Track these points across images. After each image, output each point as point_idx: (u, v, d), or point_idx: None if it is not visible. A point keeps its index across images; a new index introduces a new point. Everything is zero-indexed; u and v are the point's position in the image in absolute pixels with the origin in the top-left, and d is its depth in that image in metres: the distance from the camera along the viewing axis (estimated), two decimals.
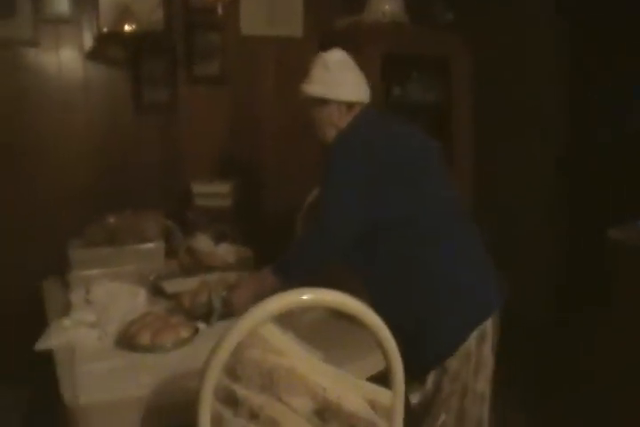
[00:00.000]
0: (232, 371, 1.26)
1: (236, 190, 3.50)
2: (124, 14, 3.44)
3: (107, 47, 3.52)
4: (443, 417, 2.17)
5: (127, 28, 3.42)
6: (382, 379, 1.46)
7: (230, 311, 2.27)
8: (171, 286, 2.71)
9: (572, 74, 3.88)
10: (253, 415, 1.28)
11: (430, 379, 2.16)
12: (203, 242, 3.07)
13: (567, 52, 3.87)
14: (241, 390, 1.26)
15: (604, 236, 3.00)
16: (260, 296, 2.01)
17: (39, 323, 2.60)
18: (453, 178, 3.54)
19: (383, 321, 1.37)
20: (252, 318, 1.25)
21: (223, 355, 1.24)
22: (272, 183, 3.93)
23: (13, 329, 3.30)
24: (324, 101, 2.40)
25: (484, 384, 2.19)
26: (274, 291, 1.99)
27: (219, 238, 3.18)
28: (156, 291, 2.72)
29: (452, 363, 2.13)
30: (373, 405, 1.35)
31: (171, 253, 3.07)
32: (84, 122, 3.51)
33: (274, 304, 1.27)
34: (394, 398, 1.37)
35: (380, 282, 2.20)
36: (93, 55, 3.50)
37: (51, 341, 2.21)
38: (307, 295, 1.30)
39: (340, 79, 2.43)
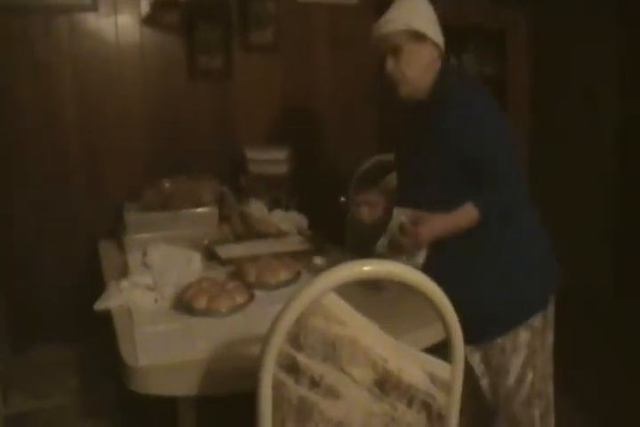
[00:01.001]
0: (295, 339, 1.28)
1: (292, 157, 3.50)
2: None
3: (162, 13, 3.52)
4: (530, 376, 2.24)
5: None
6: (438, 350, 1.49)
7: (402, 241, 2.16)
8: (224, 252, 2.76)
9: (630, 47, 3.79)
10: (314, 384, 1.30)
11: (512, 338, 2.22)
12: (256, 208, 3.10)
13: (626, 25, 3.78)
14: (303, 359, 1.28)
15: None
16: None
17: (95, 282, 2.68)
18: None
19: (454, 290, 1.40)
20: (315, 287, 1.26)
21: (286, 322, 1.26)
22: (326, 151, 3.91)
23: (70, 287, 3.39)
24: (422, 38, 2.19)
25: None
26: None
27: (272, 205, 3.21)
28: (210, 256, 2.76)
29: (537, 320, 2.23)
30: (432, 377, 1.36)
31: (224, 218, 3.11)
32: (140, 87, 3.52)
33: (337, 274, 1.28)
34: (453, 371, 1.38)
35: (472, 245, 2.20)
36: (149, 21, 3.50)
37: (109, 302, 2.25)
38: (369, 266, 1.31)
39: (434, 19, 2.25)
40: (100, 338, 2.36)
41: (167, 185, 3.15)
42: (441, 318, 1.35)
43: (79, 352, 2.87)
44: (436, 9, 3.36)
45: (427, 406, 1.38)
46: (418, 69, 2.20)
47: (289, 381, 1.30)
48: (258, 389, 1.31)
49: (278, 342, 1.27)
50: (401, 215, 2.18)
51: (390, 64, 2.21)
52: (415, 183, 2.28)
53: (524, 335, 2.22)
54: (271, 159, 3.41)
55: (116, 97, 3.49)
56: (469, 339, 2.06)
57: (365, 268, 1.31)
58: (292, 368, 1.29)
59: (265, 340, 1.28)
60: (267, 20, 3.72)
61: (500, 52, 3.83)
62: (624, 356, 3.42)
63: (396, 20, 2.18)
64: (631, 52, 3.73)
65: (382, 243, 2.20)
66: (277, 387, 1.30)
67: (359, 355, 1.30)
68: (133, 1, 3.45)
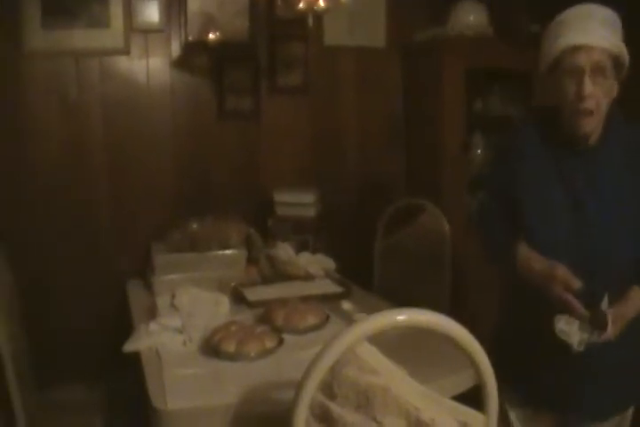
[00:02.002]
0: (328, 388, 1.28)
1: (319, 200, 3.51)
2: (210, 23, 3.51)
3: (192, 56, 3.59)
4: None
5: (212, 36, 3.48)
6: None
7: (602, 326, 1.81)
8: (252, 295, 2.76)
9: None
10: None
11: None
12: (283, 251, 3.10)
13: None
14: (336, 408, 1.28)
15: None
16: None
17: (122, 323, 2.69)
18: None
19: None
20: (349, 336, 1.26)
21: (320, 372, 1.26)
22: (354, 194, 3.93)
23: (97, 328, 3.41)
24: (621, 67, 1.87)
25: None
26: None
27: (300, 248, 3.21)
28: (238, 298, 2.76)
29: None
30: None
31: (251, 261, 3.12)
32: (170, 128, 3.58)
33: (371, 324, 1.28)
34: (487, 421, 1.37)
35: None
36: (180, 63, 3.57)
37: (138, 343, 2.26)
38: (402, 316, 1.31)
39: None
40: (125, 380, 2.36)
41: (195, 226, 3.17)
42: (474, 365, 1.34)
43: (104, 394, 2.87)
44: (464, 56, 3.40)
45: None
46: (608, 102, 1.88)
47: None
48: None
49: (311, 390, 1.27)
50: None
51: (590, 86, 1.81)
52: (597, 239, 1.89)
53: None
54: (299, 202, 3.43)
55: (145, 138, 3.54)
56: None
57: (399, 317, 1.31)
58: (325, 417, 1.29)
59: (298, 388, 1.28)
60: (295, 62, 3.77)
61: (526, 93, 3.84)
62: None
63: (605, 36, 1.82)
64: None
65: (581, 339, 1.85)
66: None
67: (392, 404, 1.29)
68: (164, 44, 3.53)
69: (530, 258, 1.91)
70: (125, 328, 2.49)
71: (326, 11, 2.74)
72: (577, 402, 2.00)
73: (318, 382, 1.27)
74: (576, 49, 1.81)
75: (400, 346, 2.08)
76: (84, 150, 3.46)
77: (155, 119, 3.56)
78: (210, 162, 3.66)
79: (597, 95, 1.82)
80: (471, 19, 3.68)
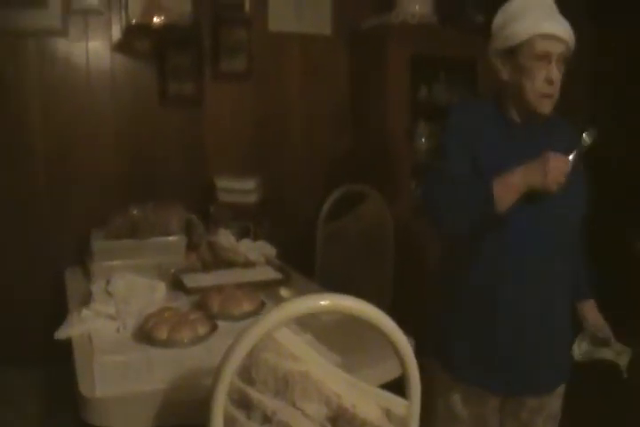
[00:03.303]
0: (246, 374, 1.26)
1: (261, 187, 3.49)
2: (153, 6, 3.44)
3: (134, 39, 3.52)
4: None
5: (155, 19, 3.42)
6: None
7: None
8: (190, 281, 2.73)
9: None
10: (266, 419, 1.28)
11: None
12: (224, 237, 3.07)
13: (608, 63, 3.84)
14: (255, 394, 1.27)
15: None
16: None
17: (59, 310, 2.64)
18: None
19: None
20: (267, 321, 1.25)
21: (237, 357, 1.24)
22: (297, 180, 3.91)
23: (33, 314, 3.35)
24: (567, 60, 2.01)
25: None
26: None
27: (241, 234, 3.19)
28: (176, 285, 2.73)
29: None
30: (388, 414, 1.35)
31: (192, 247, 3.08)
32: (110, 113, 3.51)
33: (290, 308, 1.26)
34: (410, 407, 1.36)
35: None
36: (121, 47, 3.50)
37: (70, 330, 2.23)
38: (325, 301, 1.30)
39: None
40: (62, 366, 2.32)
41: (135, 212, 3.12)
42: (396, 353, 1.33)
43: (40, 379, 2.83)
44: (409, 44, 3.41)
45: None
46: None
47: (240, 416, 1.28)
48: (209, 423, 1.28)
49: (229, 376, 1.25)
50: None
51: (557, 73, 1.97)
52: (555, 200, 1.96)
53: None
54: (241, 189, 3.41)
55: (85, 123, 3.47)
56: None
57: (322, 302, 1.29)
58: (244, 403, 1.28)
59: (215, 374, 1.26)
60: (239, 48, 3.73)
61: (472, 81, 3.85)
62: None
63: (569, 31, 1.97)
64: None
65: (582, 349, 2.15)
66: (229, 422, 1.28)
67: (312, 390, 1.28)
68: (105, 27, 3.45)
69: (505, 177, 1.91)
70: (64, 315, 2.45)
71: None
72: (518, 378, 2.05)
73: (236, 368, 1.25)
74: (547, 37, 1.93)
75: (334, 333, 2.10)
76: (21, 134, 3.38)
77: (95, 104, 3.48)
78: (152, 148, 3.61)
79: (559, 81, 1.98)
80: (416, 7, 3.68)
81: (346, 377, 1.32)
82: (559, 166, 1.86)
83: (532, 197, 1.92)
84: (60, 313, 2.53)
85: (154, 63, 3.57)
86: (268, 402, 1.27)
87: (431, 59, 3.67)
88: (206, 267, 2.97)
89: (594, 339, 2.12)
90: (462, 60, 3.75)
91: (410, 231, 3.23)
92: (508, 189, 1.88)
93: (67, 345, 2.18)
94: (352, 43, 3.95)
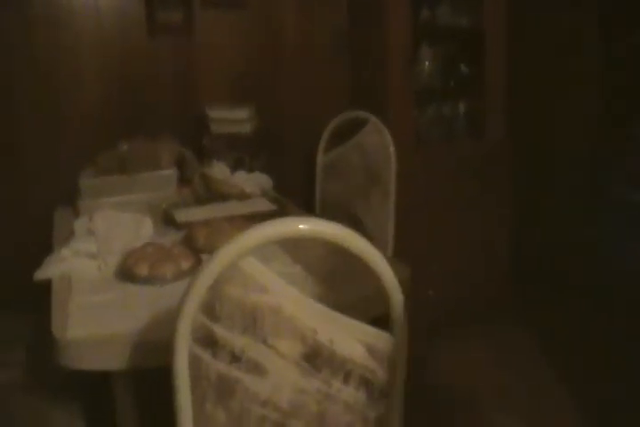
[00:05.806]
0: (210, 309, 1.12)
1: (256, 117, 3.31)
2: None
3: None
4: None
5: None
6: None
7: None
8: (182, 215, 2.59)
9: None
10: (235, 358, 1.14)
11: None
12: (218, 170, 2.93)
13: None
14: (220, 331, 1.13)
15: None
16: None
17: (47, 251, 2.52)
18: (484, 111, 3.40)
19: None
20: (231, 248, 1.10)
21: (199, 291, 1.10)
22: (294, 109, 3.72)
23: (22, 255, 3.23)
24: None
25: None
26: None
27: (236, 166, 3.05)
28: (168, 220, 2.60)
29: None
30: (371, 350, 1.20)
31: (185, 181, 2.95)
32: (96, 45, 3.32)
33: (258, 233, 1.11)
34: (395, 343, 1.22)
35: None
36: None
37: (50, 271, 2.10)
38: (304, 225, 1.15)
39: None
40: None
41: (124, 147, 2.98)
42: (380, 285, 1.19)
43: (27, 325, 2.72)
44: None
45: (366, 383, 1.22)
46: None
47: (206, 355, 1.14)
48: (173, 364, 1.16)
49: (191, 312, 1.11)
50: None
51: None
52: None
53: None
54: (234, 118, 3.23)
55: (69, 55, 3.29)
56: None
57: (301, 226, 1.14)
58: (209, 342, 1.14)
59: (177, 310, 1.12)
60: None
61: (477, 3, 3.62)
62: None
63: None
64: None
65: None
66: (194, 362, 1.14)
67: (284, 326, 1.14)
68: None
69: None
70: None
71: None
72: None
73: (198, 303, 1.11)
74: None
75: (327, 267, 1.96)
76: (3, 73, 3.21)
77: (80, 36, 3.29)
78: (141, 80, 3.42)
79: None
80: None
81: (322, 309, 1.17)
82: None
83: None
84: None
85: None
86: (235, 340, 1.13)
87: None
88: (200, 201, 2.83)
89: None
90: None
91: (412, 160, 3.10)
92: None
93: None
94: None
